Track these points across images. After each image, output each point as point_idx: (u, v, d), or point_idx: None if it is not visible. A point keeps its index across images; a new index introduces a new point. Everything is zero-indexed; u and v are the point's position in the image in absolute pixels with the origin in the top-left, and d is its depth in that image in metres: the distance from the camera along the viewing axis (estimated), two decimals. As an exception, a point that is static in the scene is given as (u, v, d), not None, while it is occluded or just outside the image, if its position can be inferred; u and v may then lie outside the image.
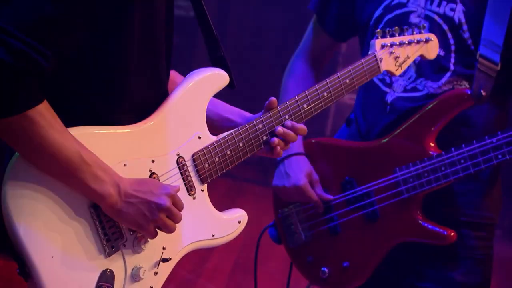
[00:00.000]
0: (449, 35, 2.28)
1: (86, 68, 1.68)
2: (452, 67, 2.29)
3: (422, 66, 2.32)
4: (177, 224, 1.77)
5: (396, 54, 2.09)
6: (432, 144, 2.30)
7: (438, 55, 2.27)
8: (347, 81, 2.01)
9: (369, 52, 2.07)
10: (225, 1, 6.49)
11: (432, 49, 2.17)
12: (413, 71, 2.33)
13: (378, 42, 2.06)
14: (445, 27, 2.28)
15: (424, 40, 2.13)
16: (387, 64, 2.08)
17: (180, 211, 1.77)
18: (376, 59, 2.06)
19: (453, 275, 2.34)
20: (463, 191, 2.35)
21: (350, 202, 2.41)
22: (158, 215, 1.72)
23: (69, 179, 1.64)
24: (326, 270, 2.44)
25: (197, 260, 4.42)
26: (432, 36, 2.17)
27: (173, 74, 2.00)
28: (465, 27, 2.26)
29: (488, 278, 2.40)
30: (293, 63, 2.64)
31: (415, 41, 2.12)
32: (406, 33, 2.11)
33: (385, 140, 2.38)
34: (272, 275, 4.17)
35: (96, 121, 1.72)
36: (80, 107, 1.71)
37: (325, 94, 1.98)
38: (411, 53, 2.12)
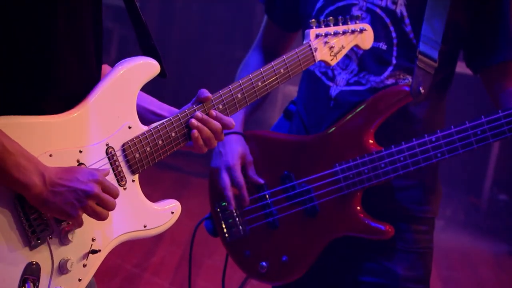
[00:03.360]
0: (391, 28, 2.28)
1: (10, 57, 1.63)
2: (394, 61, 2.29)
3: (365, 60, 2.30)
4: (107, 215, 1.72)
5: (331, 44, 2.08)
6: (371, 141, 2.30)
7: (380, 49, 2.27)
8: (282, 70, 2.00)
9: (304, 42, 2.05)
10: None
11: (366, 39, 2.16)
12: (355, 64, 2.32)
13: (312, 32, 2.05)
14: (387, 21, 2.27)
15: (358, 30, 2.12)
16: (322, 54, 2.06)
17: (114, 197, 1.73)
18: (311, 49, 2.04)
19: (396, 269, 2.34)
20: (404, 186, 2.35)
21: (289, 198, 2.38)
22: (86, 202, 1.67)
23: (-9, 169, 1.59)
24: (264, 264, 2.41)
25: (142, 254, 4.38)
26: (367, 27, 2.16)
27: (106, 68, 1.95)
28: (407, 20, 2.26)
29: (429, 271, 2.41)
30: (249, 55, 2.62)
31: (350, 31, 2.11)
32: (341, 23, 2.10)
33: (324, 134, 2.36)
34: (219, 268, 4.14)
35: (22, 111, 1.66)
36: (4, 97, 1.65)
37: (259, 83, 1.96)
38: (346, 43, 2.11)
